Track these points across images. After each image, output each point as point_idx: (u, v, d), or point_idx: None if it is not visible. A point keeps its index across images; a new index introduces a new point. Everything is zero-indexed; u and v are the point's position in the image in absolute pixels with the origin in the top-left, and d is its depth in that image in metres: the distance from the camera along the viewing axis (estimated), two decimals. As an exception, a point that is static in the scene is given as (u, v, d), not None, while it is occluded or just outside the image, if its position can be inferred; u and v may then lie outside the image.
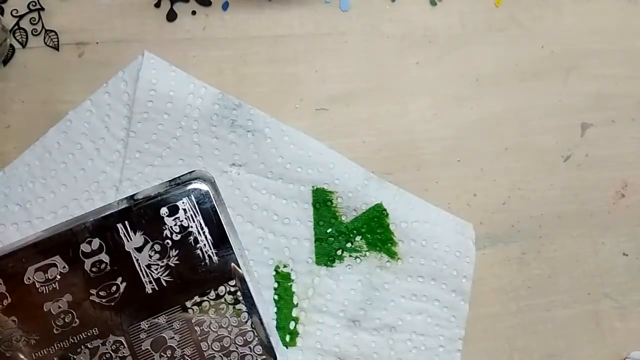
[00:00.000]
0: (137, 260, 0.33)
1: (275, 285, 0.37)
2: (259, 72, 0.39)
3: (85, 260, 0.33)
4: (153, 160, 0.36)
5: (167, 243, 0.33)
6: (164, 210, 0.33)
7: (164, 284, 0.33)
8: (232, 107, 0.37)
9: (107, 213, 0.33)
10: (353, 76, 0.40)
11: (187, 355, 0.33)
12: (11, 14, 0.37)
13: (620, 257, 0.41)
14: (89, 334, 0.32)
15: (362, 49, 0.40)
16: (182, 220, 0.34)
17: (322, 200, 0.37)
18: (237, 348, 0.34)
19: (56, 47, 0.38)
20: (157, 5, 0.39)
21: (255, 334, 0.34)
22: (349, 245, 0.37)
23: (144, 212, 0.33)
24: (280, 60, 0.39)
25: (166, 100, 0.37)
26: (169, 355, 0.33)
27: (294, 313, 0.37)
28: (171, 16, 0.39)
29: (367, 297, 0.37)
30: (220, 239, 0.34)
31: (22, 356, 0.32)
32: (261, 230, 0.37)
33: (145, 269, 0.33)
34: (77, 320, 0.32)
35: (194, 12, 0.39)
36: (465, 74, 0.41)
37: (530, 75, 0.42)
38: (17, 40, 0.37)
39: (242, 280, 0.34)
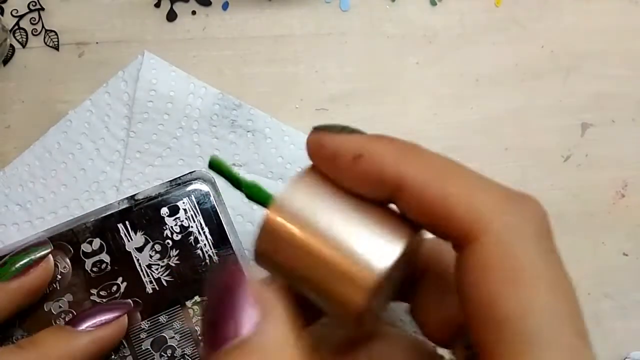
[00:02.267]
0: (138, 260, 0.33)
1: (276, 285, 0.37)
2: (259, 72, 0.39)
3: (86, 260, 0.33)
4: (153, 161, 0.36)
5: (168, 243, 0.33)
6: (164, 211, 0.33)
7: (165, 283, 0.33)
8: (232, 107, 0.37)
9: (107, 213, 0.33)
10: (353, 76, 0.40)
11: (188, 355, 0.33)
12: (11, 13, 0.37)
13: (621, 257, 0.41)
14: (89, 334, 0.32)
15: (362, 49, 0.40)
16: (182, 221, 0.34)
17: (322, 200, 0.37)
18: (237, 348, 0.34)
19: (56, 47, 0.38)
20: (157, 5, 0.39)
21: (256, 334, 0.34)
22: (349, 245, 0.37)
23: (144, 213, 0.33)
24: (280, 60, 0.39)
25: (166, 101, 0.37)
26: (169, 355, 0.33)
27: (294, 313, 0.36)
28: (171, 16, 0.39)
29: (367, 297, 0.37)
30: (221, 239, 0.34)
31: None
32: (261, 230, 0.37)
33: (146, 268, 0.33)
34: (77, 320, 0.32)
35: (194, 12, 0.39)
36: (465, 74, 0.41)
37: (530, 75, 0.42)
38: (17, 40, 0.37)
39: (242, 280, 0.34)
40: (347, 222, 0.19)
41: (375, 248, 0.18)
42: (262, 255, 0.21)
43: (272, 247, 0.20)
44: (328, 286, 0.19)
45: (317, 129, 0.19)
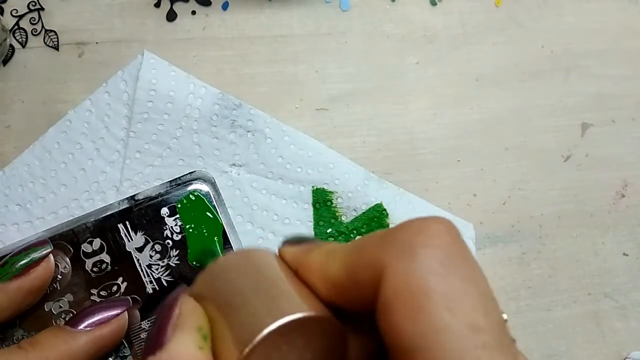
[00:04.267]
0: (138, 260, 0.33)
1: (276, 285, 0.37)
2: (259, 72, 0.39)
3: (86, 260, 0.33)
4: (153, 161, 0.36)
5: (168, 243, 0.33)
6: (164, 211, 0.33)
7: (165, 284, 0.33)
8: (232, 107, 0.37)
9: (108, 213, 0.33)
10: (353, 76, 0.40)
11: (188, 355, 0.33)
12: (11, 13, 0.37)
13: (621, 257, 0.41)
14: (89, 334, 0.32)
15: (362, 49, 0.40)
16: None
17: (322, 200, 0.37)
18: (237, 348, 0.34)
19: (56, 47, 0.38)
20: (157, 5, 0.39)
21: (256, 334, 0.34)
22: (349, 245, 0.37)
23: (144, 213, 0.33)
24: (280, 60, 0.39)
25: (166, 101, 0.37)
26: (169, 355, 0.33)
27: (294, 313, 0.37)
28: (171, 16, 0.39)
29: (368, 297, 0.37)
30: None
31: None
32: (261, 230, 0.37)
33: (146, 268, 0.33)
34: (77, 320, 0.32)
35: (193, 12, 0.39)
36: (465, 74, 0.41)
37: (530, 75, 0.42)
38: (17, 40, 0.37)
39: (242, 280, 0.34)
40: (273, 286, 0.21)
41: (273, 309, 0.19)
42: (201, 284, 0.22)
43: (209, 279, 0.22)
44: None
45: (284, 242, 0.23)
